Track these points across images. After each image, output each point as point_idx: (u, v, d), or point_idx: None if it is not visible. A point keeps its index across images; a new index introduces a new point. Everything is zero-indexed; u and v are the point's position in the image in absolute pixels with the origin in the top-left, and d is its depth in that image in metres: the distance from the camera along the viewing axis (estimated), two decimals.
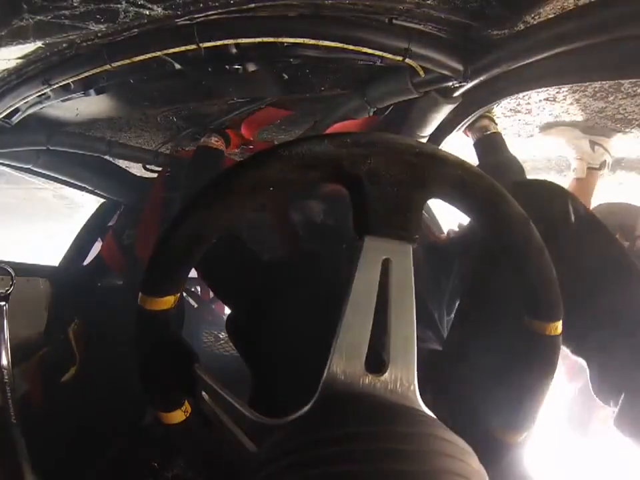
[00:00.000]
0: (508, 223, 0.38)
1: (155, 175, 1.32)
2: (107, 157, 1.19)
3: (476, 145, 1.00)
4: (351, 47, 0.63)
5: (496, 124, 0.99)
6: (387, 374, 0.35)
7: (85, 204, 2.11)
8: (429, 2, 0.59)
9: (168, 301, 0.37)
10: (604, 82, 0.82)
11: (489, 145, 0.97)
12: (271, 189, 0.35)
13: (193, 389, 0.39)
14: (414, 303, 0.36)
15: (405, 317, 0.36)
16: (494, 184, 0.38)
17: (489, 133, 0.97)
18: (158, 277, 0.37)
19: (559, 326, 0.41)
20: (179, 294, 0.38)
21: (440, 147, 0.88)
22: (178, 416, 0.39)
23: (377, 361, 0.36)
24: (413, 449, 0.30)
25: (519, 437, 0.43)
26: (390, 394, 0.35)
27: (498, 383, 0.47)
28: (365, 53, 0.64)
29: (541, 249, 0.39)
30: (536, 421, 0.43)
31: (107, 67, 0.66)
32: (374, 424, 0.32)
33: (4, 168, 1.12)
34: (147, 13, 0.57)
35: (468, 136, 1.03)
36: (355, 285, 0.36)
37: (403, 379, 0.36)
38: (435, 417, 0.37)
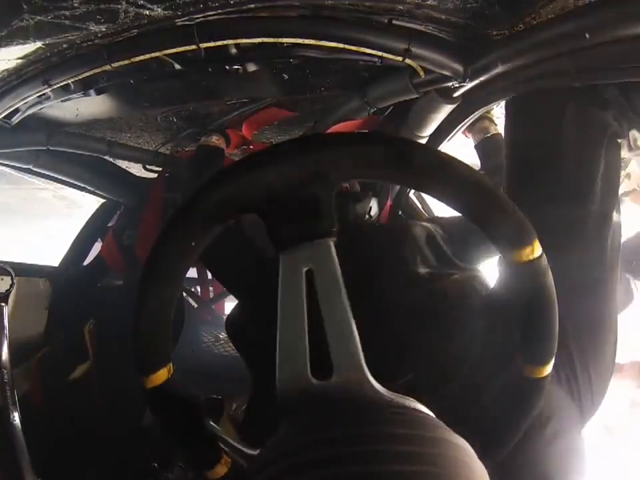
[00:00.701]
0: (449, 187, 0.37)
1: (155, 175, 1.32)
2: (107, 157, 1.19)
3: (477, 148, 1.00)
4: (351, 48, 0.63)
5: (496, 125, 0.99)
6: (334, 378, 0.36)
7: (85, 204, 2.11)
8: (428, 2, 0.59)
9: (162, 374, 0.39)
10: (604, 82, 0.82)
11: (490, 147, 0.97)
12: (193, 243, 0.38)
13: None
14: (346, 303, 0.37)
15: (339, 319, 0.37)
16: (396, 141, 0.38)
17: (489, 135, 0.97)
18: (142, 358, 0.39)
19: (535, 249, 0.38)
20: (169, 363, 0.40)
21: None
22: (221, 470, 0.41)
23: (327, 366, 0.37)
24: (353, 450, 0.30)
25: (544, 371, 0.42)
26: (345, 395, 0.36)
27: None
28: (365, 54, 0.64)
29: (487, 189, 0.37)
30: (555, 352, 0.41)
31: (107, 67, 0.66)
32: (326, 429, 0.33)
33: (4, 168, 1.12)
34: (147, 13, 0.57)
35: (467, 137, 1.04)
36: (281, 302, 0.37)
37: (352, 380, 0.36)
38: (404, 408, 0.37)
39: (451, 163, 0.37)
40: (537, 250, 0.38)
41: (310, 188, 0.37)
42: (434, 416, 0.37)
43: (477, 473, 0.32)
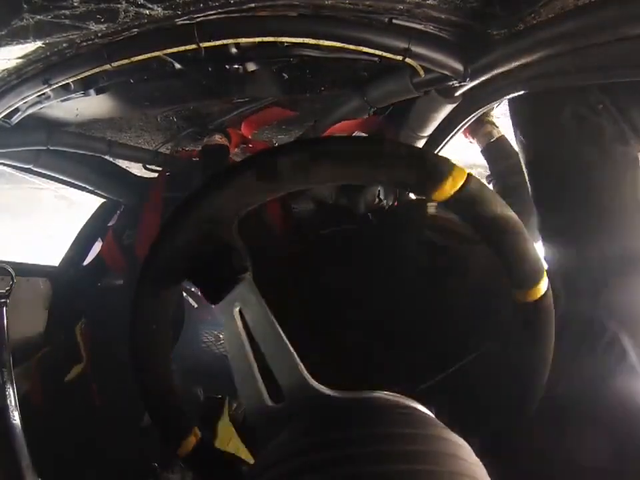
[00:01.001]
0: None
1: (155, 175, 1.32)
2: (107, 157, 1.19)
3: (483, 153, 1.01)
4: (351, 47, 0.63)
5: (498, 128, 1.00)
6: (286, 400, 0.38)
7: (84, 204, 2.11)
8: (429, 2, 0.58)
9: (190, 441, 0.43)
10: (604, 82, 0.82)
11: (496, 150, 0.98)
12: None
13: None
14: (275, 327, 0.38)
15: (273, 345, 0.38)
16: (256, 160, 0.37)
17: (494, 139, 0.98)
18: (166, 437, 0.43)
19: (457, 177, 0.35)
20: (193, 430, 0.43)
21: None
22: None
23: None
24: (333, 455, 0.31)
25: (537, 291, 0.40)
26: (302, 411, 0.38)
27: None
28: (365, 53, 0.64)
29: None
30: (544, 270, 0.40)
31: (107, 66, 0.66)
32: (293, 444, 0.34)
33: (4, 168, 1.12)
34: (147, 12, 0.57)
35: (467, 138, 1.04)
36: (225, 342, 0.41)
37: (303, 398, 0.38)
38: (374, 408, 0.37)
39: (324, 143, 0.37)
40: (459, 177, 0.33)
41: (210, 237, 0.38)
42: (429, 413, 0.37)
43: (477, 472, 0.32)
